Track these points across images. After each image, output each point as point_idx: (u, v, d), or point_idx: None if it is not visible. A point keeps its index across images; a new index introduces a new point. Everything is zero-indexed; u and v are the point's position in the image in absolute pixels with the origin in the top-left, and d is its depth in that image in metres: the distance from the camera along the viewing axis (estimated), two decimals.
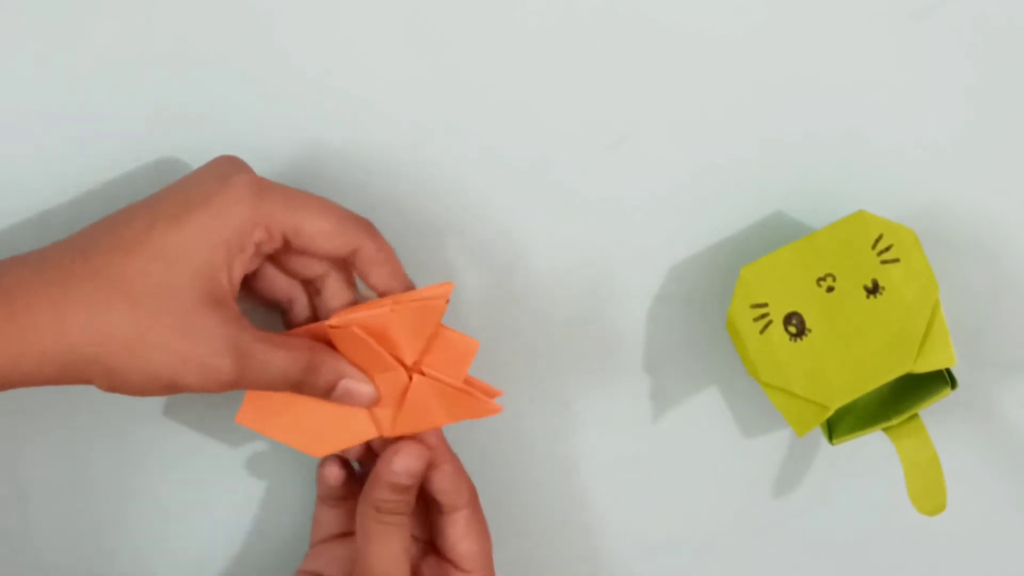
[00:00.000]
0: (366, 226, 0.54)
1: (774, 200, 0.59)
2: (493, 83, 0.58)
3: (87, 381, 0.50)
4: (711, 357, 0.61)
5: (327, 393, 0.53)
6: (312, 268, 0.55)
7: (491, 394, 0.55)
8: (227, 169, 0.52)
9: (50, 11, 0.56)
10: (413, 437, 0.55)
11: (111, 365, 0.50)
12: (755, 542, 0.63)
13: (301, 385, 0.53)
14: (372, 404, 0.54)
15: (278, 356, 0.52)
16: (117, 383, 0.50)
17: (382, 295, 0.54)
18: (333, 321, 0.53)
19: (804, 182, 0.59)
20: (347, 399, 0.54)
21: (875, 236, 0.55)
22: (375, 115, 0.58)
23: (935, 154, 0.59)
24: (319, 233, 0.52)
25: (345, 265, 0.55)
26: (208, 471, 0.61)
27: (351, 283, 0.56)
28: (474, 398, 0.54)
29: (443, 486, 0.56)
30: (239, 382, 0.51)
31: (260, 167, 0.56)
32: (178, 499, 0.61)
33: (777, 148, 0.59)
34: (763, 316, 0.56)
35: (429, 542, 0.58)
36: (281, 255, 0.55)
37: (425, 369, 0.54)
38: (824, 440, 0.62)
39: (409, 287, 0.54)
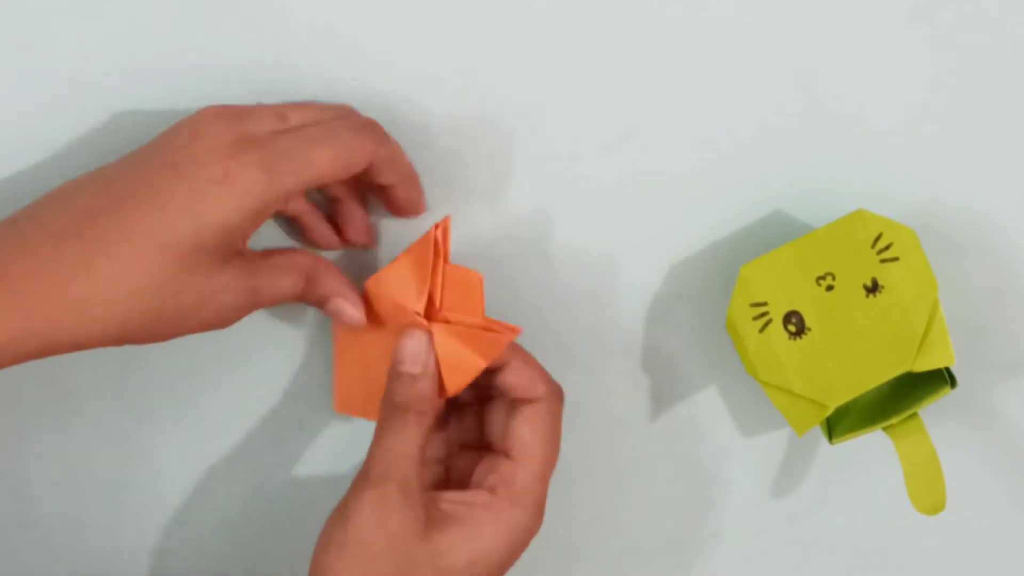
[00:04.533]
0: (373, 135, 0.54)
1: (774, 199, 0.59)
2: (491, 82, 0.58)
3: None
4: (711, 357, 0.61)
5: (322, 305, 0.56)
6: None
7: (511, 330, 0.55)
8: (229, 143, 0.52)
9: (50, 7, 0.56)
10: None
11: (134, 339, 0.52)
12: (755, 542, 0.63)
13: (302, 297, 0.55)
14: (357, 325, 0.56)
15: (285, 279, 0.54)
16: (138, 344, 0.52)
17: (388, 187, 0.56)
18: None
19: (804, 181, 0.59)
20: (338, 316, 0.56)
21: (875, 235, 0.55)
22: (373, 112, 0.58)
23: (936, 153, 0.59)
24: (334, 176, 0.53)
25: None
26: (208, 470, 0.61)
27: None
28: (491, 331, 0.54)
29: (512, 380, 0.55)
30: (251, 310, 0.54)
31: None
32: (178, 498, 0.61)
33: (777, 147, 0.59)
34: (762, 315, 0.56)
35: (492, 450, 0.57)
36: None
37: (446, 313, 0.54)
38: (824, 440, 0.62)
39: (412, 175, 0.57)
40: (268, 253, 0.55)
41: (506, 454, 0.55)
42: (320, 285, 0.55)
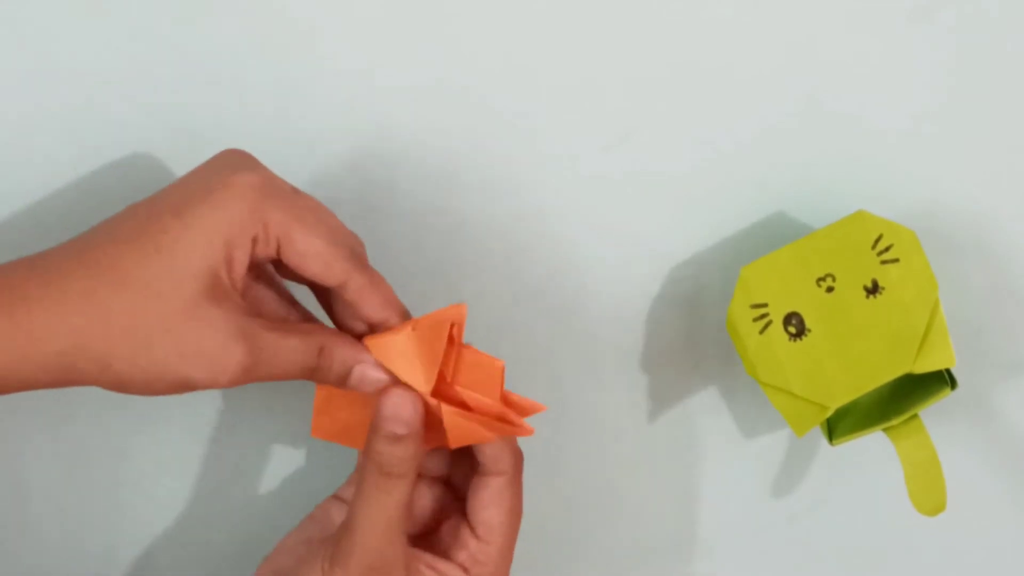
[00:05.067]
0: (357, 254, 0.52)
1: (775, 200, 0.59)
2: (491, 82, 0.58)
3: (92, 382, 0.49)
4: (711, 357, 0.61)
5: (342, 380, 0.52)
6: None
7: (531, 409, 0.53)
8: (234, 164, 0.51)
9: (53, 8, 0.56)
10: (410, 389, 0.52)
11: (113, 359, 0.48)
12: (755, 542, 0.63)
13: (315, 371, 0.51)
14: (383, 389, 0.52)
15: (290, 342, 0.50)
16: (123, 380, 0.49)
17: (375, 326, 0.52)
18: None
19: (804, 182, 0.59)
20: (363, 385, 0.52)
21: (875, 236, 0.55)
22: (374, 113, 0.58)
23: (936, 154, 0.59)
24: (309, 251, 0.51)
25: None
26: (208, 470, 0.61)
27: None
28: (501, 428, 0.52)
29: (483, 447, 0.54)
30: (251, 372, 0.50)
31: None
32: (178, 498, 0.61)
33: (777, 147, 0.59)
34: (763, 316, 0.56)
35: (460, 501, 0.56)
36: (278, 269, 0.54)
37: (460, 390, 0.52)
38: (824, 440, 0.62)
39: (404, 313, 0.53)
40: (274, 321, 0.52)
41: (472, 530, 0.54)
42: (337, 354, 0.52)
